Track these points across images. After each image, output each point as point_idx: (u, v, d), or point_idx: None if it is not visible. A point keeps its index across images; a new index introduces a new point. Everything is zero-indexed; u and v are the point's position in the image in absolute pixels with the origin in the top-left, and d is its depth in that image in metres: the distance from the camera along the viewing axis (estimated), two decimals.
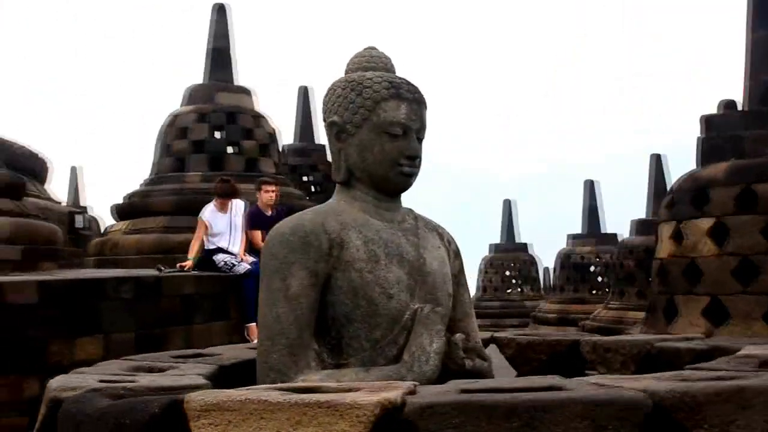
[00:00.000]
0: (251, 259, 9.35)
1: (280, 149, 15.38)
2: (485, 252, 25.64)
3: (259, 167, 13.75)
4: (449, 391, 1.90)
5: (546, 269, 27.10)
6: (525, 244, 25.90)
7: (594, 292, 20.73)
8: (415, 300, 2.97)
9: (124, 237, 12.88)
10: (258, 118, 14.14)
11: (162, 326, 9.04)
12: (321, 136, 19.61)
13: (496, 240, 25.90)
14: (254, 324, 8.40)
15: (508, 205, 25.91)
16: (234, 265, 9.44)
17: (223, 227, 9.71)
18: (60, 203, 18.00)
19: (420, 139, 3.15)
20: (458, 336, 2.97)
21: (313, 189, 19.51)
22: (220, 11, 14.54)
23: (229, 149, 13.89)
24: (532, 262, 25.63)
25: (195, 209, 10.24)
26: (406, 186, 3.16)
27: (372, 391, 1.88)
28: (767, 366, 2.37)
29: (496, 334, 4.02)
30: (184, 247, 10.22)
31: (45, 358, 7.57)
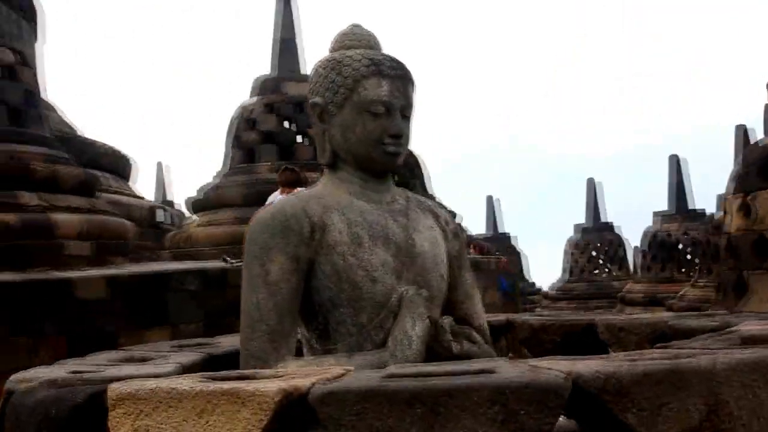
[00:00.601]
0: None
1: None
2: (570, 233, 25.16)
3: None
4: (373, 377, 1.81)
5: (636, 249, 26.42)
6: (610, 224, 25.27)
7: (682, 270, 20.03)
8: (402, 283, 2.88)
9: (198, 230, 13.15)
10: None
11: (228, 316, 9.15)
12: None
13: (582, 220, 25.36)
14: None
15: (592, 185, 25.32)
16: None
17: None
18: (142, 199, 18.49)
19: (406, 117, 3.05)
20: (446, 319, 2.87)
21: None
22: (285, 1, 14.62)
23: (299, 138, 13.98)
24: (619, 242, 24.99)
25: (265, 200, 10.33)
26: (391, 165, 3.06)
27: (290, 378, 1.82)
28: (749, 343, 2.19)
29: (512, 317, 3.88)
30: None
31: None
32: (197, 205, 13.94)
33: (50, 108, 18.92)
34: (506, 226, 33.10)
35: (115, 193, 15.82)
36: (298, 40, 14.71)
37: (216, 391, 1.72)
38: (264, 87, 14.15)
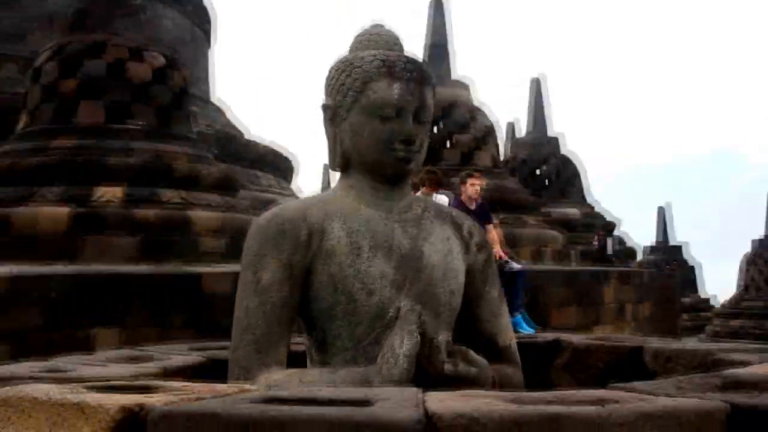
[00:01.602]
0: None
1: (503, 141, 15.11)
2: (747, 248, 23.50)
3: (474, 160, 13.61)
4: (245, 399, 1.67)
5: None
6: None
7: None
8: (402, 296, 2.70)
9: None
10: (474, 111, 13.99)
11: None
12: (554, 128, 19.12)
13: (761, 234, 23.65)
14: None
15: None
16: None
17: None
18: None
19: (420, 121, 2.85)
20: (442, 337, 2.65)
21: (546, 182, 18.97)
22: (436, 7, 14.55)
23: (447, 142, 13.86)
24: None
25: None
26: (403, 172, 2.86)
27: (156, 394, 1.70)
28: (729, 388, 1.86)
29: (563, 337, 3.58)
30: None
31: None
32: None
33: (219, 110, 19.86)
34: (680, 236, 31.48)
35: (278, 193, 16.29)
36: (449, 45, 14.58)
37: (66, 403, 1.64)
38: None
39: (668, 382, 1.91)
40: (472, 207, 9.79)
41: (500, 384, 2.73)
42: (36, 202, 9.49)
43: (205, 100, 20.18)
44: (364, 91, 2.81)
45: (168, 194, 10.01)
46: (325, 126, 3.01)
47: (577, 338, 3.45)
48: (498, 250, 9.54)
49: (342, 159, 2.92)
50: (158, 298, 8.70)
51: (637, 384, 1.92)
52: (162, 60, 10.85)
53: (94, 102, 10.30)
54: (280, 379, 2.58)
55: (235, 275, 9.13)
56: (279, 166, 18.40)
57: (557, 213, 17.57)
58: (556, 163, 18.33)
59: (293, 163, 19.26)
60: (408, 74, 2.82)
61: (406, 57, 2.91)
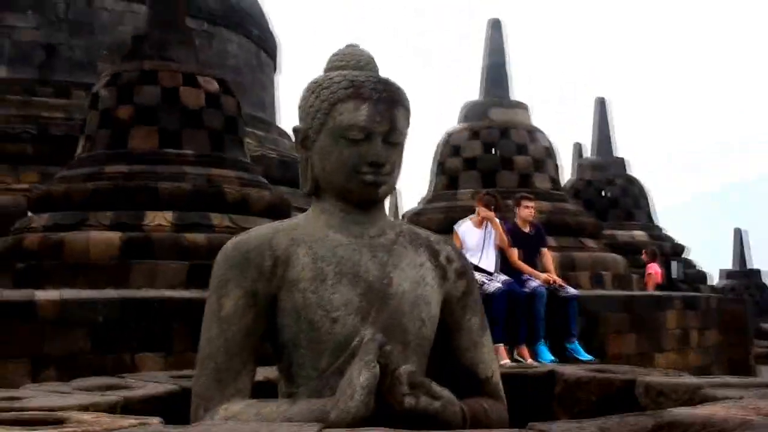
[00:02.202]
0: (503, 277, 8.96)
1: (569, 162, 14.84)
2: None
3: (533, 183, 13.38)
4: None
5: None
6: None
7: None
8: (368, 325, 2.60)
9: None
10: (532, 132, 13.78)
11: None
12: (619, 149, 18.71)
13: None
14: (502, 345, 8.11)
15: None
16: (484, 283, 9.10)
17: (476, 243, 9.41)
18: None
19: (392, 143, 2.75)
20: (404, 368, 2.53)
21: (612, 204, 18.54)
22: (494, 27, 14.44)
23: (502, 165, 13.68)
24: None
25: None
26: (372, 196, 2.75)
27: None
28: (657, 430, 1.70)
29: (558, 368, 3.42)
30: None
31: None
32: None
33: (284, 134, 20.09)
34: (757, 261, 30.31)
35: None
36: (507, 66, 14.42)
37: None
38: (470, 113, 14.02)
39: (594, 423, 1.77)
40: (527, 230, 9.59)
41: (472, 418, 2.60)
42: (89, 227, 9.69)
43: (270, 123, 20.48)
44: (330, 113, 2.71)
45: (219, 219, 10.11)
46: (297, 149, 2.94)
47: (570, 369, 3.29)
48: (551, 275, 9.31)
49: (312, 183, 2.84)
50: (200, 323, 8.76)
51: (556, 425, 1.78)
52: (216, 85, 11.00)
53: (147, 128, 10.50)
54: (237, 410, 2.51)
55: None
56: None
57: (623, 236, 17.17)
58: (622, 183, 17.92)
59: None
60: (377, 95, 2.71)
61: (377, 77, 2.81)
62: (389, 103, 2.72)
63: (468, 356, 2.82)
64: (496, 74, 14.33)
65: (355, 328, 2.56)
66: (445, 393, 2.52)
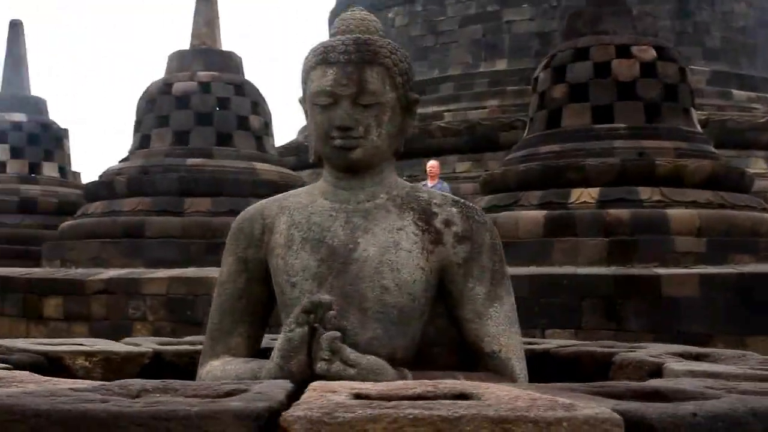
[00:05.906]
0: None
1: None
2: None
3: None
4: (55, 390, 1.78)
5: None
6: None
7: None
8: (323, 290, 2.57)
9: None
10: None
11: None
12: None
13: None
14: None
15: None
16: None
17: None
18: None
19: (363, 105, 2.63)
20: (328, 334, 2.41)
21: None
22: None
23: None
24: None
25: None
26: (345, 161, 2.69)
27: None
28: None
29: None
30: None
31: None
32: None
33: None
34: None
35: None
36: None
37: None
38: None
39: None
40: None
41: None
42: (519, 206, 10.08)
43: None
44: (306, 81, 2.78)
45: (648, 192, 9.65)
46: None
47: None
48: None
49: (315, 151, 2.88)
50: (615, 299, 8.54)
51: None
52: (652, 53, 10.46)
53: (579, 105, 10.48)
54: (215, 366, 2.74)
55: (701, 277, 8.67)
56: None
57: None
58: None
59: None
60: (346, 57, 2.66)
61: (351, 39, 2.71)
62: (358, 65, 2.65)
63: (471, 328, 2.64)
64: None
65: (310, 293, 2.56)
66: (364, 361, 2.37)
